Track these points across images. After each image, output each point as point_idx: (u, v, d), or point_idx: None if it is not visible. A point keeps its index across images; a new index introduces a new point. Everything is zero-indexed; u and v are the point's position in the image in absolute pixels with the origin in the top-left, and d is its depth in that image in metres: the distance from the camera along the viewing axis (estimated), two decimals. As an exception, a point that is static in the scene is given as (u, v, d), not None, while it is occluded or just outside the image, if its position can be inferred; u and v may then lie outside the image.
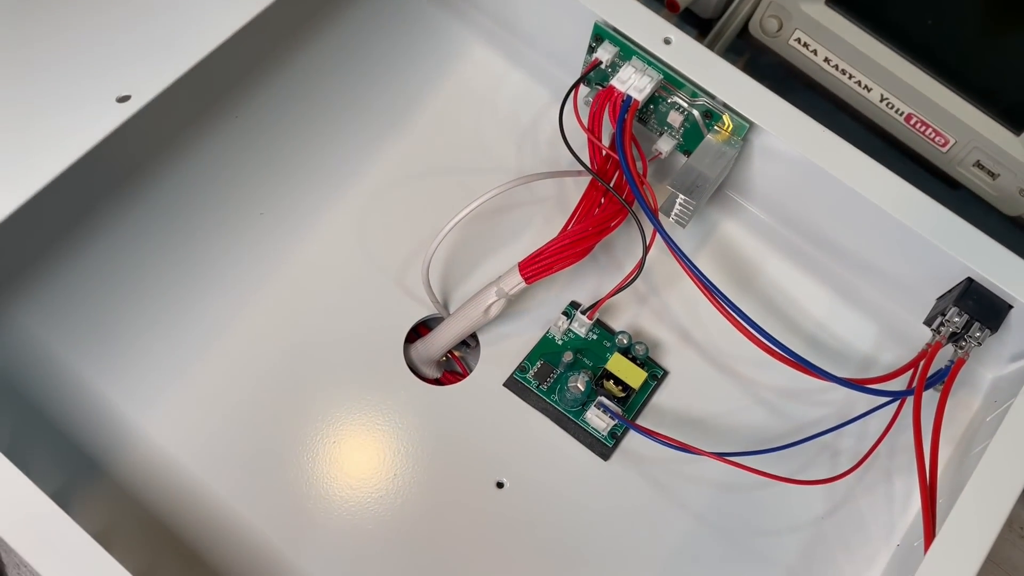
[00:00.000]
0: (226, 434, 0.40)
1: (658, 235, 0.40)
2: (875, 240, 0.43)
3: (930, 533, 0.35)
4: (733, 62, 0.44)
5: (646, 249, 0.40)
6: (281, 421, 0.40)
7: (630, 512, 0.40)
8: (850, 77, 0.49)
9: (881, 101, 0.49)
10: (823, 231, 0.45)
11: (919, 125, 0.48)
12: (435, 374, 0.43)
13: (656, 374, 0.43)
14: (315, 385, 0.41)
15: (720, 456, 0.38)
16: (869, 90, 0.49)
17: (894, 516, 0.41)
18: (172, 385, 0.40)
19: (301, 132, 0.46)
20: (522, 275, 0.40)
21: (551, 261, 0.40)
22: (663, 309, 0.44)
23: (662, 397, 0.43)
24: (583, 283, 0.44)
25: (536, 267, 0.40)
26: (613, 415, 0.40)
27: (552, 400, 0.41)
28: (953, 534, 0.34)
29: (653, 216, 0.40)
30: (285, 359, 0.41)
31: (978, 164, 0.48)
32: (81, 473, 0.38)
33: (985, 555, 0.34)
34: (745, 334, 0.39)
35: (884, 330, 0.45)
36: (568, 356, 0.41)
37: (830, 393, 0.43)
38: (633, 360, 0.41)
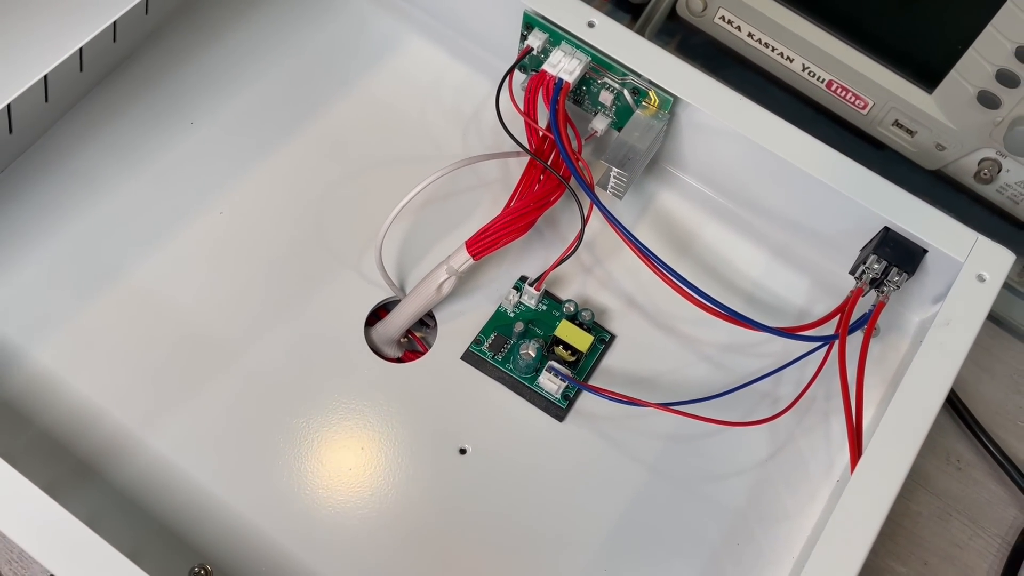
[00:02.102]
0: (203, 418, 0.42)
1: (598, 209, 0.42)
2: (800, 200, 0.46)
3: (856, 460, 0.38)
4: (665, 44, 0.47)
5: (584, 221, 0.43)
6: (250, 406, 0.43)
7: (587, 468, 0.43)
8: (773, 50, 0.52)
9: (803, 70, 0.52)
10: (753, 195, 0.48)
11: (840, 90, 0.51)
12: (396, 354, 0.46)
13: (603, 338, 0.45)
14: (279, 371, 0.43)
15: (664, 406, 0.41)
16: (791, 61, 0.52)
17: (832, 454, 0.44)
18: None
19: (256, 132, 0.48)
20: (469, 252, 0.42)
21: (496, 236, 0.42)
22: (607, 278, 0.47)
23: (611, 360, 0.45)
24: (530, 259, 0.47)
25: (482, 243, 0.42)
26: (564, 377, 0.42)
27: (507, 369, 0.44)
28: (875, 457, 0.37)
29: (589, 189, 0.43)
30: (244, 345, 0.44)
31: (897, 123, 0.51)
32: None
33: (905, 475, 0.37)
34: (683, 295, 0.42)
35: (816, 284, 0.48)
36: (519, 326, 0.44)
37: (768, 345, 0.46)
38: (580, 326, 0.44)
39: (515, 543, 0.41)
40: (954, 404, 0.49)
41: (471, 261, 0.43)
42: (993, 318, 0.52)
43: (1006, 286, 0.52)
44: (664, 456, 0.43)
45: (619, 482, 0.43)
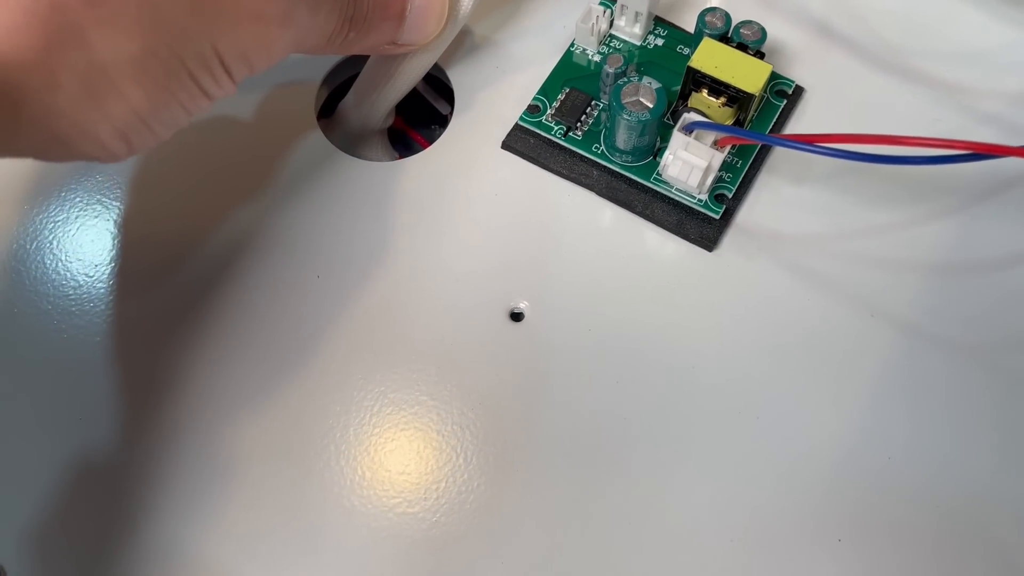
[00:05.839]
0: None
1: None
2: None
3: None
4: None
5: None
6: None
7: (778, 342, 0.20)
8: None
9: None
10: None
11: None
12: (383, 155, 0.24)
13: (784, 88, 0.23)
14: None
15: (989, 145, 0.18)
16: None
17: None
18: None
19: None
20: None
21: None
22: (774, -6, 0.25)
23: (795, 131, 0.23)
24: (625, -33, 0.25)
25: None
26: (713, 129, 0.20)
27: (595, 154, 0.22)
28: None
29: None
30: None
31: None
32: None
33: None
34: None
35: None
36: (616, 61, 0.22)
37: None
38: (743, 49, 0.22)
39: (647, 481, 0.19)
40: None
41: (509, -85, 0.21)
42: None
43: None
44: (930, 301, 0.21)
45: (844, 357, 0.20)
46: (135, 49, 0.14)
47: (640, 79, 0.21)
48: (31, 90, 0.13)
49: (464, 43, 0.24)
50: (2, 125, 0.13)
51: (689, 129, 0.20)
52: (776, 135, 0.21)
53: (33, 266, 0.22)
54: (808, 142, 0.18)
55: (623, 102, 0.20)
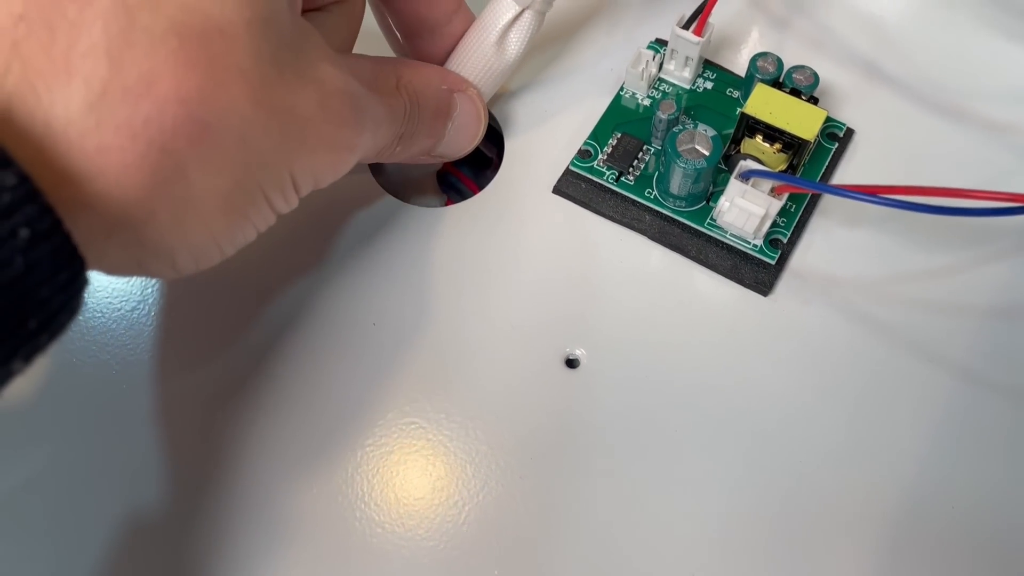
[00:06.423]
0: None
1: None
2: None
3: None
4: None
5: None
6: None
7: (832, 379, 0.20)
8: None
9: None
10: None
11: None
12: (433, 199, 0.25)
13: (836, 131, 0.23)
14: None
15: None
16: None
17: None
18: None
19: None
20: (560, -58, 0.21)
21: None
22: (824, 37, 0.25)
23: (847, 173, 0.23)
24: (667, 14, 0.25)
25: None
26: (773, 178, 0.20)
27: (648, 199, 0.22)
28: None
29: None
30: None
31: None
32: None
33: None
34: None
35: None
36: (668, 107, 0.22)
37: None
38: (796, 95, 0.22)
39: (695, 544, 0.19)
40: None
41: (565, -35, 0.21)
42: None
43: None
44: (991, 345, 0.21)
45: (907, 411, 0.20)
46: (226, 183, 0.15)
47: (695, 126, 0.21)
48: (130, 222, 0.14)
49: (510, 85, 0.25)
50: (94, 250, 0.13)
51: (746, 176, 0.20)
52: (835, 185, 0.21)
53: (91, 316, 0.22)
54: (869, 193, 0.18)
55: (679, 150, 0.21)
